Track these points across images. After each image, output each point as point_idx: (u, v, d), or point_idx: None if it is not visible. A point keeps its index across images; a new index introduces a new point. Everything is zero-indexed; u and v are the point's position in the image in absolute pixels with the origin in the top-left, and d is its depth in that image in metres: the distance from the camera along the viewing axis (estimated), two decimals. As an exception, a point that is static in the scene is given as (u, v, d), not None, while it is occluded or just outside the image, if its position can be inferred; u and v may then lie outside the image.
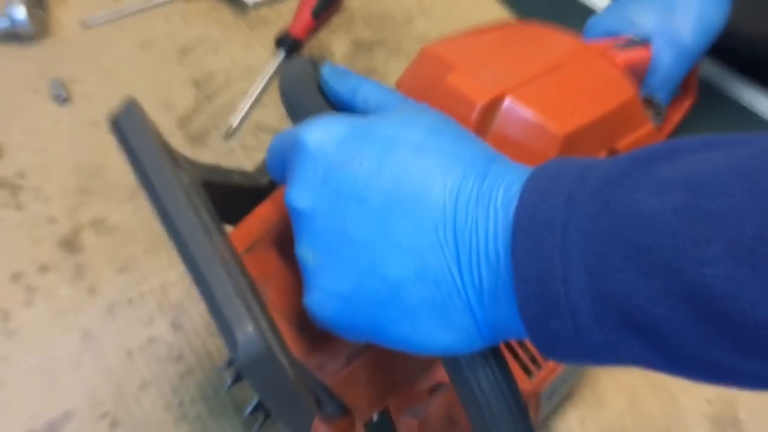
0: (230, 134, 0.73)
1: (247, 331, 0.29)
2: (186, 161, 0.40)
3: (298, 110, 0.39)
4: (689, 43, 0.60)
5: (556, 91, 0.46)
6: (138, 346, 0.60)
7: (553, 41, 0.51)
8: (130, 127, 0.34)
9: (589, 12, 0.81)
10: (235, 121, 0.73)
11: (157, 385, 0.58)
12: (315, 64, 0.39)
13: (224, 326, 0.30)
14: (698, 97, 0.68)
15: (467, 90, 0.44)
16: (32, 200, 0.69)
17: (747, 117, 0.73)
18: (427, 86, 0.46)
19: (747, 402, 0.55)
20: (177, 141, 0.73)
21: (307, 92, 0.39)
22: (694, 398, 0.55)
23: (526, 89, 0.45)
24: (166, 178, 0.33)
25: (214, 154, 0.72)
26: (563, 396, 0.51)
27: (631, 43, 0.59)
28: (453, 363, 0.35)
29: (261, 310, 0.33)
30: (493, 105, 0.44)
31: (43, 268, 0.64)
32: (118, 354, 0.59)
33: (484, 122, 0.44)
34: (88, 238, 0.66)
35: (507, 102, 0.44)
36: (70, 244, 0.65)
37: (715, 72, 0.75)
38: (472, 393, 0.34)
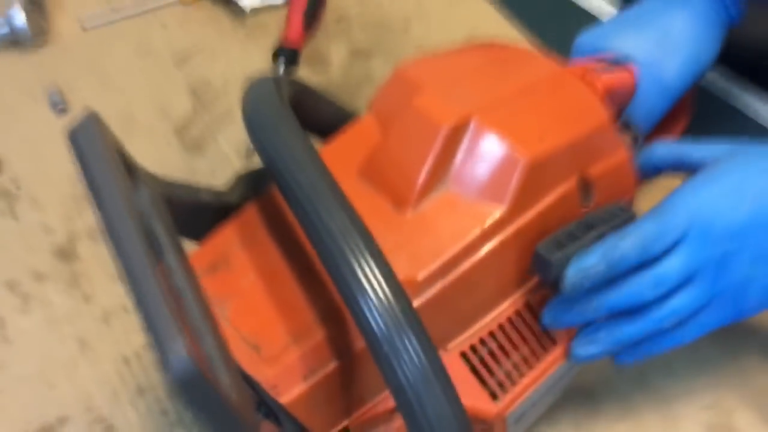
0: (250, 154, 0.72)
1: (177, 351, 0.29)
2: (148, 177, 0.40)
3: (266, 134, 0.38)
4: (675, 82, 0.59)
5: (526, 115, 0.45)
6: (134, 352, 0.60)
7: (528, 64, 0.50)
8: (85, 141, 0.34)
9: (588, 17, 0.81)
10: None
11: (153, 391, 0.58)
12: (279, 83, 0.37)
13: (156, 347, 0.30)
14: (701, 105, 0.68)
15: (432, 113, 0.43)
16: (28, 209, 0.69)
17: (752, 126, 0.72)
18: (396, 108, 0.45)
19: (745, 410, 0.54)
20: (174, 149, 0.73)
21: (275, 116, 0.37)
22: (691, 406, 0.55)
23: (494, 112, 0.44)
24: (112, 196, 0.33)
25: (210, 162, 0.72)
26: (536, 418, 0.50)
27: (615, 64, 0.58)
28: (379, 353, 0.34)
29: (210, 329, 0.33)
30: (459, 128, 0.43)
31: (39, 277, 0.64)
32: (114, 360, 0.59)
33: (449, 146, 0.43)
34: (83, 247, 0.66)
35: (472, 125, 0.43)
36: (65, 253, 0.65)
37: (719, 79, 0.75)
38: (394, 373, 0.34)
